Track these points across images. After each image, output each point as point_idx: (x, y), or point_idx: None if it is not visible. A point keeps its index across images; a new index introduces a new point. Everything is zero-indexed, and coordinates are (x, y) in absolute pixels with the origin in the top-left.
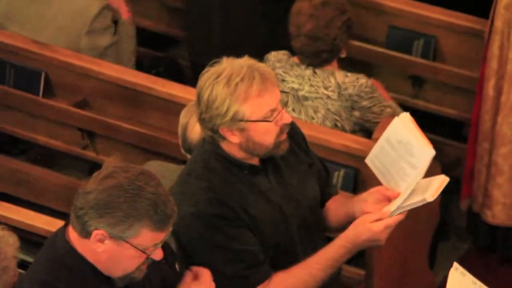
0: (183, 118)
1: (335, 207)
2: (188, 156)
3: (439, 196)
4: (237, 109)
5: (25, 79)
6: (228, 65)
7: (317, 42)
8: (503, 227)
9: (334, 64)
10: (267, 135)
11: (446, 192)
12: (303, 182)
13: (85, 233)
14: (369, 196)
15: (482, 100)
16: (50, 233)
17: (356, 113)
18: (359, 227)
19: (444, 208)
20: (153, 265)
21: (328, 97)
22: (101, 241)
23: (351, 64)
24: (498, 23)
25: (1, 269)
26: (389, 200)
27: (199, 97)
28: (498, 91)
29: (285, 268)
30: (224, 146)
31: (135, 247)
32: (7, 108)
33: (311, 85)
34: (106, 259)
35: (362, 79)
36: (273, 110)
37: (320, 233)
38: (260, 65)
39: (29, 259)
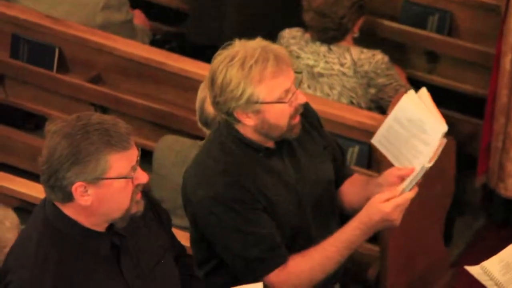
0: (201, 91)
1: (354, 191)
2: (204, 129)
3: (454, 172)
4: (252, 91)
5: (39, 54)
6: (241, 47)
7: (325, 19)
8: None
9: (349, 40)
10: (281, 116)
11: (461, 168)
12: (317, 163)
13: (68, 195)
14: (383, 181)
15: (499, 75)
16: None
17: (372, 90)
18: (371, 208)
19: (459, 185)
20: (149, 231)
21: (344, 74)
22: (84, 193)
23: (366, 40)
24: None
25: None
26: (403, 179)
27: (212, 80)
28: None
29: (300, 250)
30: (239, 128)
31: (116, 178)
32: (21, 83)
33: (327, 62)
34: (98, 207)
35: (378, 55)
36: (287, 91)
37: (334, 215)
38: (274, 46)
39: None
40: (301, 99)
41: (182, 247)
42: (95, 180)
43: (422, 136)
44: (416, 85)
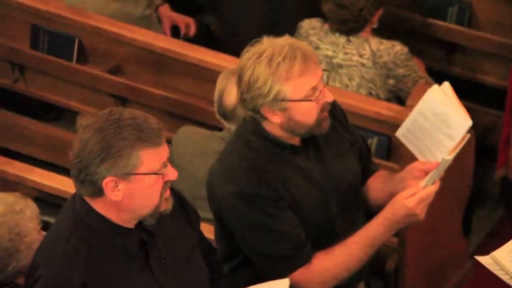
0: (220, 83)
1: (378, 186)
2: (223, 121)
3: (473, 163)
4: (279, 89)
5: (58, 45)
6: (269, 44)
7: (343, 10)
8: None
9: (368, 31)
10: (308, 114)
11: (481, 160)
12: (343, 160)
13: (98, 190)
14: (407, 175)
15: None
16: None
17: (391, 81)
18: (395, 205)
19: (479, 176)
20: (177, 228)
21: (363, 65)
22: (115, 188)
23: (385, 31)
24: None
25: (26, 246)
26: (427, 173)
27: (239, 77)
28: None
29: (324, 247)
30: (265, 125)
31: (146, 173)
32: (40, 74)
33: (345, 53)
34: (128, 203)
35: (398, 46)
36: (314, 89)
37: (360, 212)
38: (302, 43)
39: None
40: (329, 97)
41: (209, 244)
42: (126, 175)
43: (447, 130)
44: (435, 76)
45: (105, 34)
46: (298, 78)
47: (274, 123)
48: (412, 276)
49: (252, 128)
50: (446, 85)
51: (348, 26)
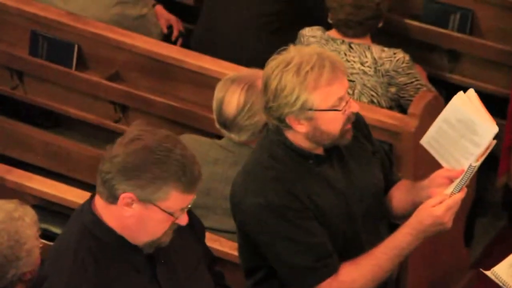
0: (218, 92)
1: (400, 195)
2: (223, 130)
3: (475, 173)
4: (306, 98)
5: (58, 52)
6: (296, 53)
7: (362, 10)
8: None
9: (369, 38)
10: (334, 123)
11: (483, 168)
12: (366, 170)
13: (113, 198)
14: (431, 183)
15: None
16: None
17: (393, 89)
18: (421, 213)
19: (481, 185)
20: (183, 241)
21: (365, 72)
22: (129, 205)
23: (387, 39)
24: None
25: (26, 253)
26: (451, 181)
27: (265, 85)
28: None
29: (350, 258)
30: (289, 135)
31: (164, 210)
32: (40, 81)
33: (347, 61)
34: (133, 224)
35: (400, 54)
36: (341, 99)
37: (384, 221)
38: (330, 53)
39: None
40: (354, 107)
41: (212, 255)
42: (147, 201)
43: (473, 137)
44: (437, 84)
45: (104, 40)
46: (325, 87)
47: (299, 132)
48: (413, 284)
49: (276, 139)
50: (472, 91)
51: (367, 26)
